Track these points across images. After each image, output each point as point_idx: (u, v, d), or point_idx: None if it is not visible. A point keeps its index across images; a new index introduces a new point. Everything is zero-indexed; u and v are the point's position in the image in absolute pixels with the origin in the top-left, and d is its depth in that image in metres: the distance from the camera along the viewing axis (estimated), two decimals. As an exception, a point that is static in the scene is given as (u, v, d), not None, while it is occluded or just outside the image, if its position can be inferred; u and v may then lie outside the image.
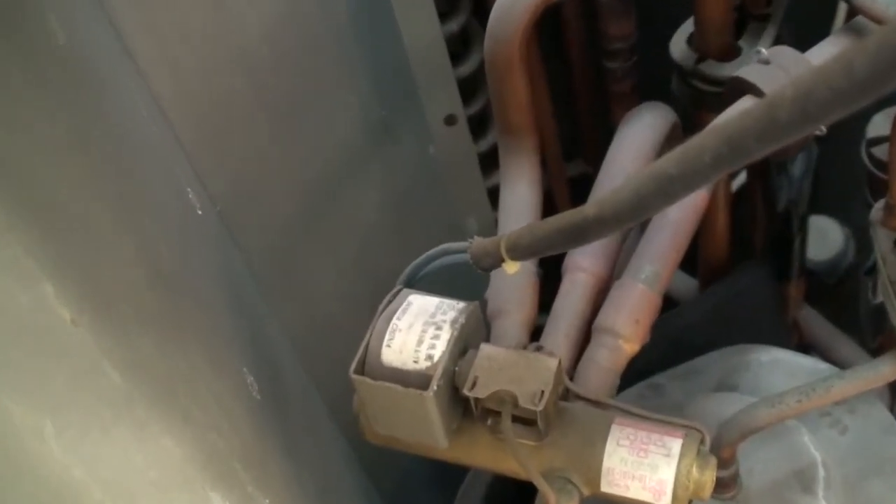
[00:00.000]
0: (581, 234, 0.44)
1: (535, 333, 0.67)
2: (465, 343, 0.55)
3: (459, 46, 0.84)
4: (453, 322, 0.54)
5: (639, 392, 0.78)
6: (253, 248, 0.64)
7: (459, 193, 0.89)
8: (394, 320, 0.54)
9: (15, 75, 0.34)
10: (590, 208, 0.42)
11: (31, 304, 0.34)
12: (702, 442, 0.53)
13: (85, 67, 0.41)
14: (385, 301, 0.55)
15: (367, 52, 0.74)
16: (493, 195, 0.87)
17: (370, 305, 0.55)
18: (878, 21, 0.59)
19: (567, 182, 0.96)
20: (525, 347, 0.57)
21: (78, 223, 0.37)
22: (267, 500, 0.49)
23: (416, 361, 0.53)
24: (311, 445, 0.61)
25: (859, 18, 0.62)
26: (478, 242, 0.54)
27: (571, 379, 0.61)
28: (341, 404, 0.58)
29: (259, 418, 0.52)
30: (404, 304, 0.55)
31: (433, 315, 0.55)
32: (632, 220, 0.40)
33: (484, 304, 0.65)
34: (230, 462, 0.47)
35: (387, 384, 0.52)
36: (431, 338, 0.54)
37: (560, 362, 0.54)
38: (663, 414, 0.55)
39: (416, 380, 0.52)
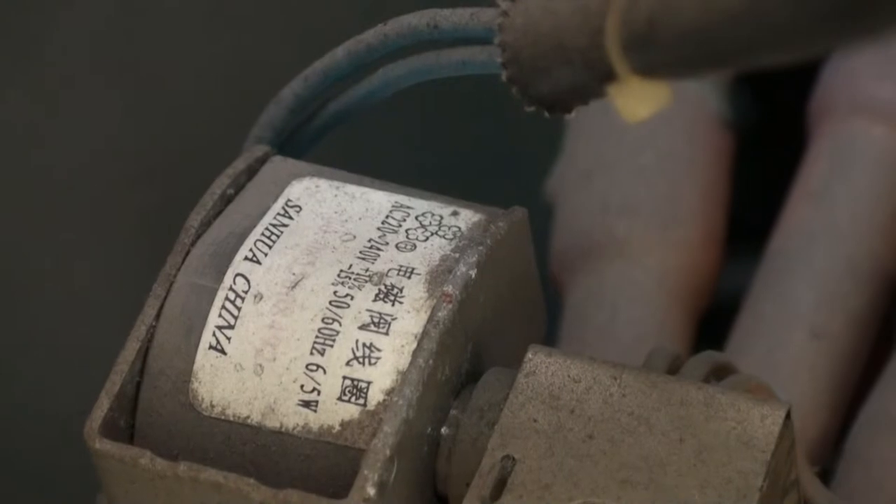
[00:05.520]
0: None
1: (717, 318, 0.45)
2: (474, 346, 0.33)
3: None
4: (433, 274, 0.31)
5: None
6: None
7: None
8: (238, 264, 0.31)
9: None
10: None
11: None
12: None
13: None
14: (211, 195, 0.32)
15: None
16: None
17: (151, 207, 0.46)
18: None
19: None
20: (676, 365, 0.32)
21: None
22: None
23: (308, 404, 0.30)
24: None
25: None
26: (527, 6, 0.30)
27: (828, 477, 0.39)
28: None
29: None
30: (276, 207, 0.32)
31: (371, 250, 0.31)
32: None
33: (540, 216, 0.43)
34: None
35: (211, 474, 0.30)
36: (363, 326, 0.30)
37: (788, 415, 0.31)
38: None
39: (308, 465, 0.31)
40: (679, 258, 0.46)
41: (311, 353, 0.30)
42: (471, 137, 0.50)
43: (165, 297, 0.31)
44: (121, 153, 0.57)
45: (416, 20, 0.31)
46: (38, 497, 0.53)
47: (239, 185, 0.32)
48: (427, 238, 0.31)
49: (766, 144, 0.52)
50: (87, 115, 0.59)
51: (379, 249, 0.31)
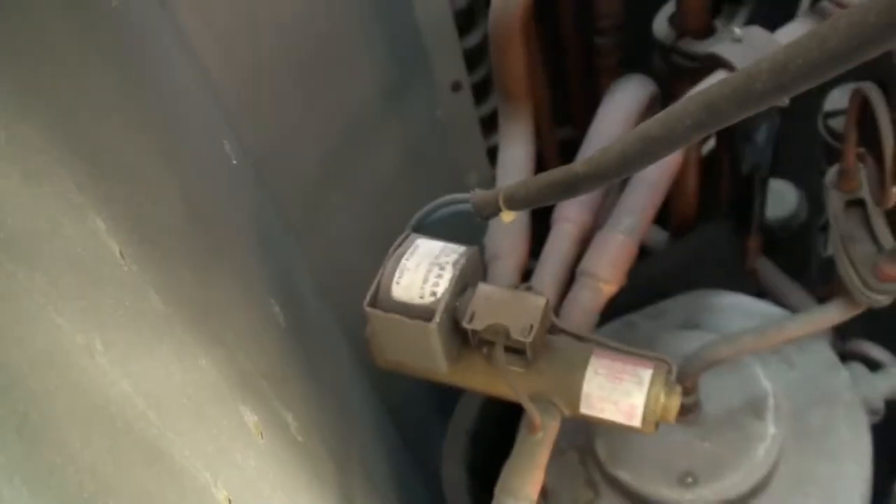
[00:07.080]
0: (571, 188, 0.43)
1: (527, 276, 0.67)
2: (466, 282, 0.55)
3: (466, 20, 0.84)
4: (455, 263, 0.53)
5: (615, 328, 0.77)
6: (282, 195, 0.64)
7: (463, 152, 0.90)
8: (403, 260, 0.53)
9: (70, 32, 0.35)
10: (580, 165, 0.42)
11: (81, 237, 0.33)
12: (669, 372, 0.53)
13: (133, 28, 0.42)
14: (396, 244, 0.54)
15: (383, 22, 0.73)
16: (492, 154, 0.89)
17: (384, 248, 0.54)
18: (841, 5, 0.63)
19: (557, 144, 0.96)
20: (517, 287, 0.55)
21: (125, 166, 0.37)
22: (290, 414, 0.51)
23: (421, 297, 0.52)
24: (329, 368, 0.61)
25: (823, 3, 0.65)
26: (479, 193, 0.53)
27: (557, 315, 0.59)
28: (356, 333, 0.58)
29: (284, 343, 0.52)
30: (412, 246, 0.54)
31: (438, 257, 0.54)
32: (617, 175, 0.40)
33: (483, 249, 0.65)
34: (258, 381, 0.47)
35: (396, 316, 0.52)
36: (436, 277, 0.53)
37: (547, 301, 0.53)
38: (636, 347, 0.54)
39: (421, 313, 0.52)
40: (517, 259, 0.65)
41: (422, 284, 0.51)
42: (464, 232, 0.57)
43: (385, 266, 0.52)
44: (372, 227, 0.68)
45: (446, 198, 0.53)
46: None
47: (401, 243, 0.53)
48: (449, 255, 0.52)
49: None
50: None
51: (439, 257, 0.52)
